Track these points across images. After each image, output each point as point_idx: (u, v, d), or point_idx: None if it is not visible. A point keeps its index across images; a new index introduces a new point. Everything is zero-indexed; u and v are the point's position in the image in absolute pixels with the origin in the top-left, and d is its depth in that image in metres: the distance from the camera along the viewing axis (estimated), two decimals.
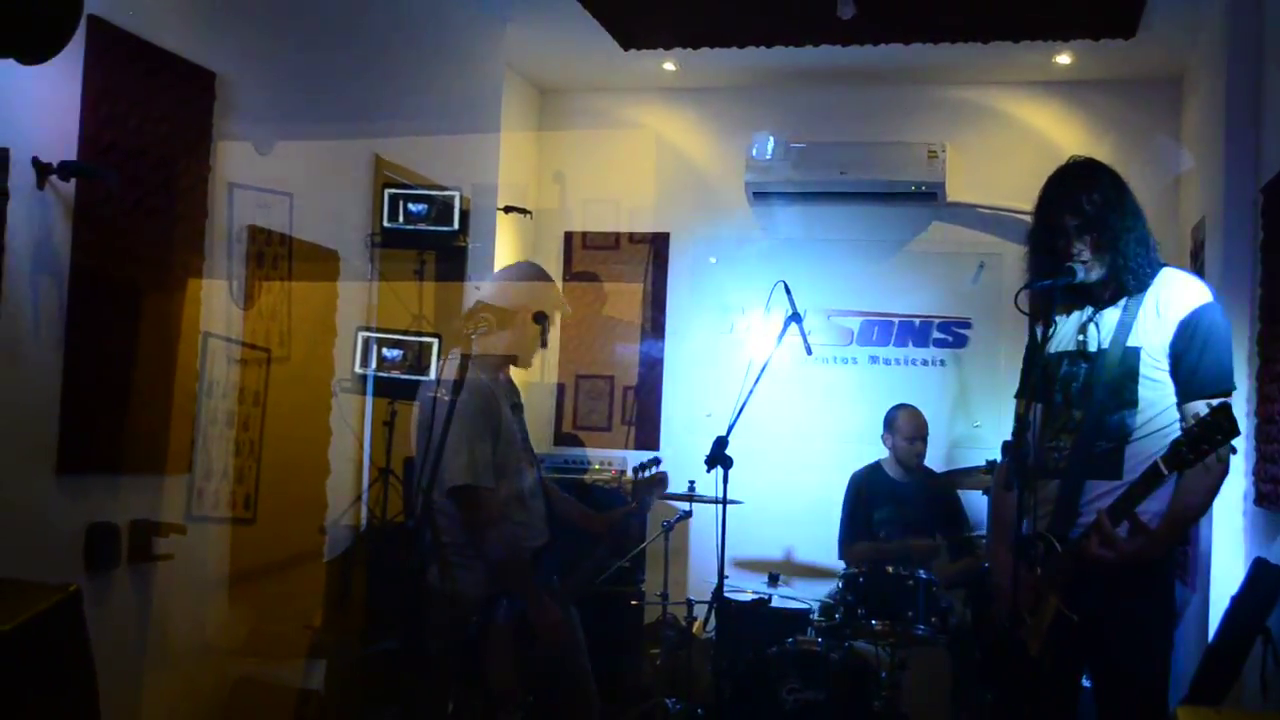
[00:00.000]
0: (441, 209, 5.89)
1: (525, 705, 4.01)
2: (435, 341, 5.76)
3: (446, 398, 3.88)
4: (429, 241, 5.93)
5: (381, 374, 5.63)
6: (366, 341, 5.57)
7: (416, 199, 5.86)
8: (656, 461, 4.61)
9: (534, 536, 4.14)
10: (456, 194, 5.89)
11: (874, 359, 7.17)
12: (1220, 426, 3.02)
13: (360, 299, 5.52)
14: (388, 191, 5.75)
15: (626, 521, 4.44)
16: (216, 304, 4.46)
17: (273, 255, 4.85)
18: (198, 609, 4.42)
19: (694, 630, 6.02)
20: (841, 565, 6.13)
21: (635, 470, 4.71)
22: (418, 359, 5.71)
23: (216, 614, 4.51)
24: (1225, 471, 3.33)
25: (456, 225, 5.93)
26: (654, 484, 4.53)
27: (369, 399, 5.53)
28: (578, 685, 4.25)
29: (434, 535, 4.06)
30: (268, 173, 4.73)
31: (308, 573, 5.14)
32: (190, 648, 4.35)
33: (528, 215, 6.89)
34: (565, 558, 4.34)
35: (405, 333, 5.75)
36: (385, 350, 5.64)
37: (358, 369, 5.53)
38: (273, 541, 4.82)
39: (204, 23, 4.32)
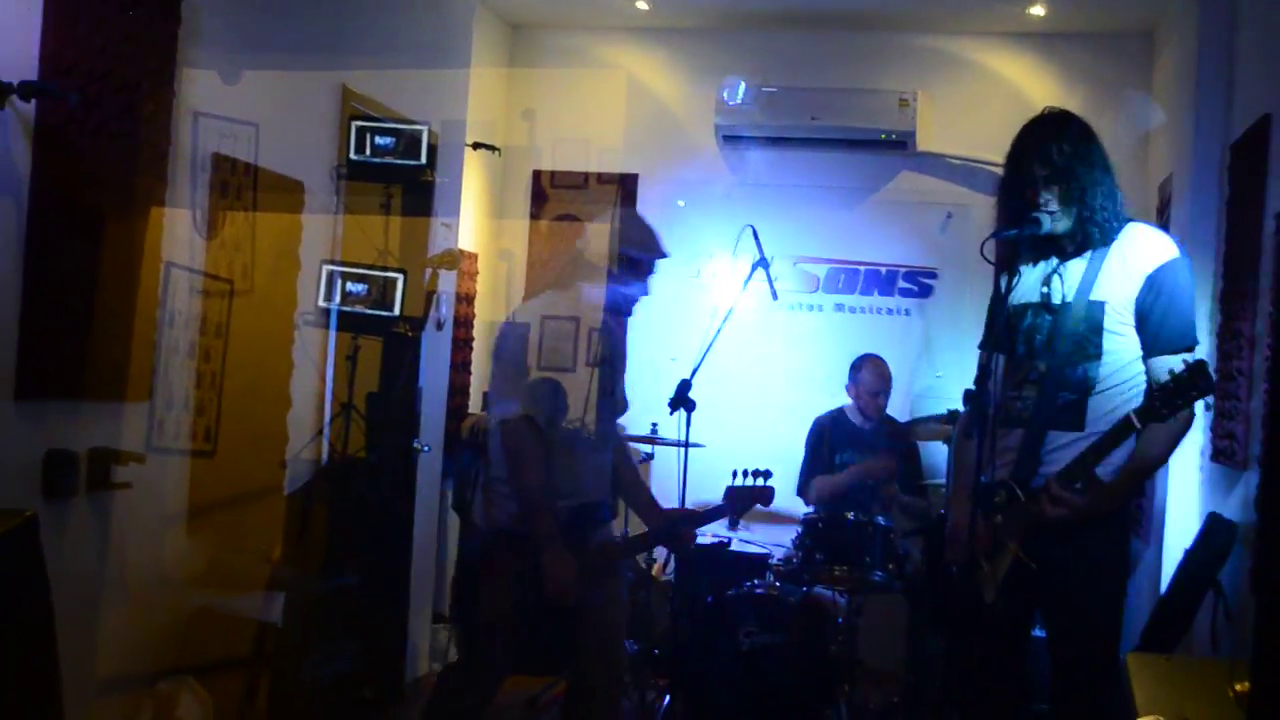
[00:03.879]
0: (409, 143, 5.82)
1: (512, 645, 4.02)
2: (400, 277, 5.72)
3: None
4: (395, 175, 5.86)
5: (345, 308, 5.60)
6: (331, 275, 5.52)
7: (384, 132, 5.79)
8: (766, 475, 4.46)
9: (581, 491, 4.10)
10: (424, 128, 5.81)
11: (839, 307, 7.20)
12: (1195, 383, 3.06)
13: (325, 232, 5.47)
14: (354, 123, 5.67)
15: (684, 525, 4.37)
16: (179, 233, 4.40)
17: (237, 185, 4.79)
18: (156, 539, 4.39)
19: (653, 573, 6.05)
20: (801, 509, 6.18)
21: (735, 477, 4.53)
22: (382, 294, 5.67)
23: (175, 545, 4.49)
24: (1189, 425, 3.37)
25: (424, 160, 5.86)
26: (754, 497, 4.41)
27: (332, 333, 5.49)
28: (600, 652, 4.19)
29: (480, 463, 4.11)
30: (233, 102, 4.66)
31: (267, 506, 5.12)
32: (148, 578, 4.33)
33: (496, 152, 6.84)
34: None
35: (370, 267, 5.71)
36: (349, 284, 5.59)
37: (321, 303, 5.49)
38: (232, 474, 4.79)
39: None
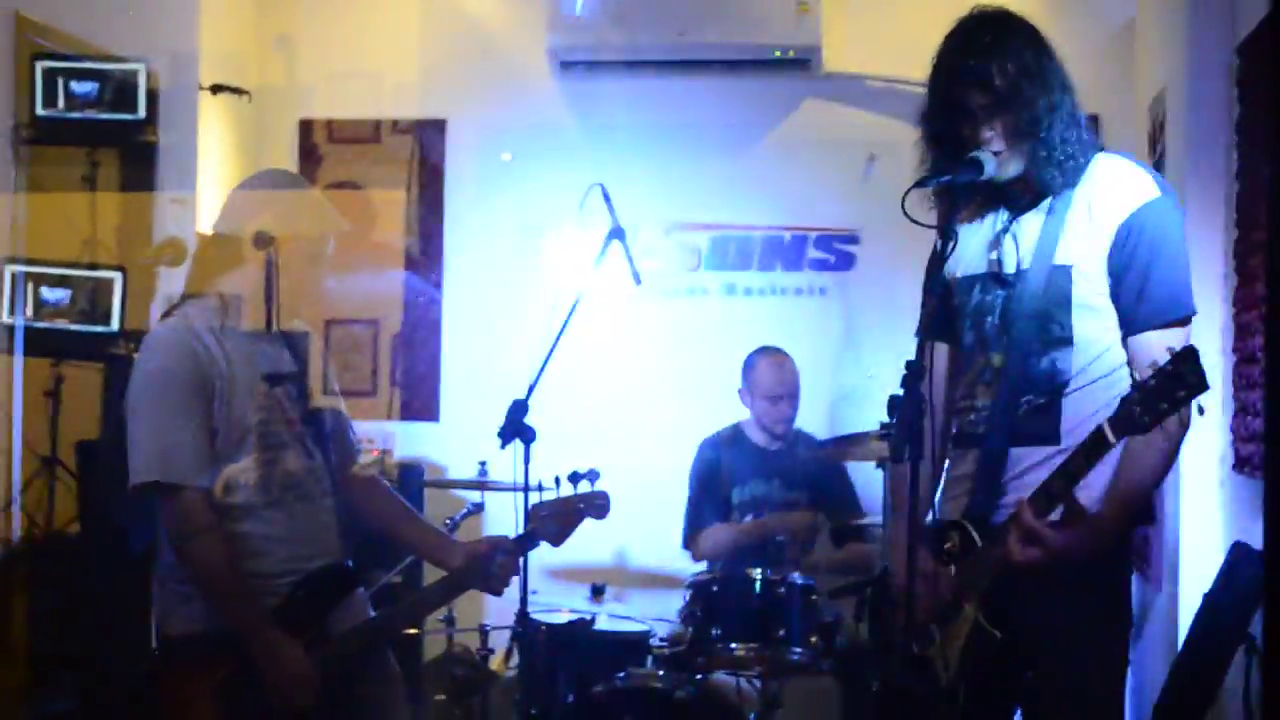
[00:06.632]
0: (120, 89, 5.77)
1: None
2: (118, 276, 5.64)
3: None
4: (103, 135, 5.83)
5: (41, 324, 5.50)
6: (15, 278, 5.43)
7: (83, 75, 5.72)
8: (592, 476, 4.42)
9: (297, 555, 4.03)
10: (141, 67, 5.75)
11: (730, 288, 7.21)
12: (1184, 379, 3.03)
13: (2, 219, 5.34)
14: (40, 65, 5.59)
15: (501, 556, 4.27)
16: None
17: None
18: None
19: (492, 666, 5.99)
20: (690, 567, 6.15)
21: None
22: (93, 302, 5.57)
23: None
24: (1185, 432, 3.36)
25: (142, 111, 5.82)
26: (577, 508, 4.36)
27: (19, 359, 5.38)
28: None
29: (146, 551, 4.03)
30: None
31: None
32: None
33: (245, 97, 6.74)
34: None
35: (73, 266, 5.61)
36: (45, 290, 5.51)
37: (3, 318, 5.39)
38: None
39: None
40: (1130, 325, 3.43)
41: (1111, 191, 3.47)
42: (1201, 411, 3.17)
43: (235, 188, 4.33)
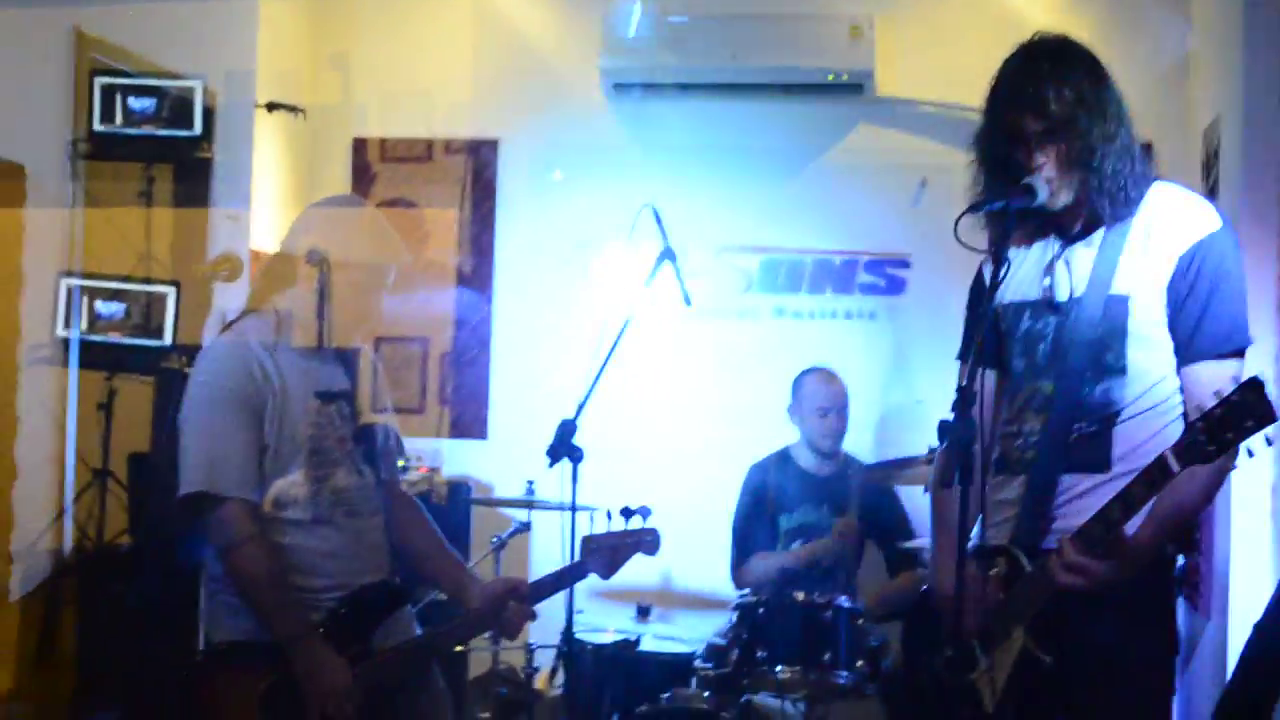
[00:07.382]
0: (176, 105, 5.79)
1: None
2: (171, 291, 5.66)
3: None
4: (160, 151, 5.84)
5: (95, 337, 5.52)
6: (70, 292, 5.45)
7: (140, 91, 5.74)
8: (644, 513, 4.45)
9: (345, 570, 4.05)
10: (198, 84, 5.77)
11: (780, 310, 7.19)
12: (1251, 408, 2.99)
13: (59, 233, 5.37)
14: (98, 81, 5.61)
15: (514, 601, 4.23)
16: None
17: None
18: None
19: (537, 685, 6.00)
20: (735, 591, 6.14)
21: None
22: (147, 316, 5.60)
23: None
24: (1233, 461, 3.29)
25: (199, 128, 5.83)
26: (628, 544, 4.37)
27: (73, 372, 5.40)
28: None
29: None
30: None
31: None
32: None
33: (300, 114, 6.77)
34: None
35: (128, 280, 5.63)
36: (99, 304, 5.53)
37: (59, 331, 5.41)
38: None
39: None
40: (1186, 355, 3.39)
41: (1172, 222, 3.44)
42: (1270, 442, 3.13)
43: (305, 208, 4.35)
